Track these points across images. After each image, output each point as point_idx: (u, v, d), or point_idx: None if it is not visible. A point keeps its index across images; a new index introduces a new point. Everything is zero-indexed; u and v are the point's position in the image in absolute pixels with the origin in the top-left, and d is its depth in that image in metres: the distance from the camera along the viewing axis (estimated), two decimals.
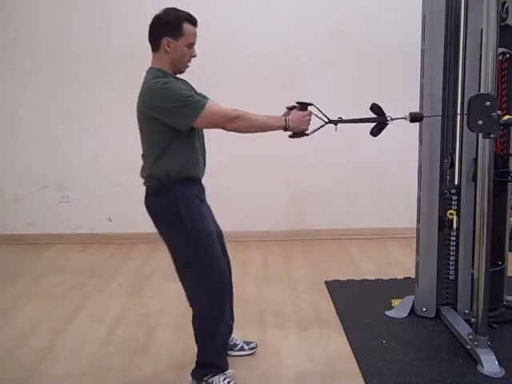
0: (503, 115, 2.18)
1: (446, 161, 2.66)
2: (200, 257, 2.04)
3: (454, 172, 2.69)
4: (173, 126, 1.95)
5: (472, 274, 2.46)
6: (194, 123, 1.94)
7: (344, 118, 2.11)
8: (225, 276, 2.10)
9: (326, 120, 2.08)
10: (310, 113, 2.05)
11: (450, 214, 2.64)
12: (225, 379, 2.09)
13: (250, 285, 3.34)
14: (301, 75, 4.20)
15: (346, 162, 4.28)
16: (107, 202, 4.35)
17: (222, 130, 2.00)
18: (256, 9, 4.16)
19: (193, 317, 2.12)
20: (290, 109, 2.10)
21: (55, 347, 2.55)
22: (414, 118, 2.17)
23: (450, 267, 2.71)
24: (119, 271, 3.68)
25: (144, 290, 3.29)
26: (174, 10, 2.02)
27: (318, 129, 2.06)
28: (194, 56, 2.06)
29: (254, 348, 2.43)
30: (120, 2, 4.16)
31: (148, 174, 2.06)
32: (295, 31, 4.17)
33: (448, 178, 2.68)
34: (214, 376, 2.09)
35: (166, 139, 1.98)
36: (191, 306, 2.18)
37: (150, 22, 2.03)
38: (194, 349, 2.14)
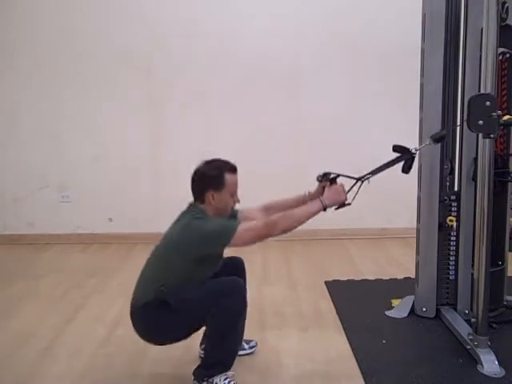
0: (503, 115, 2.18)
1: (445, 167, 2.65)
2: (202, 306, 2.02)
3: (453, 178, 2.69)
4: (207, 252, 2.01)
5: (472, 274, 2.46)
6: (229, 245, 1.98)
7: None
8: (237, 286, 2.09)
9: (356, 179, 2.15)
10: (342, 185, 2.11)
11: (450, 220, 2.64)
12: (226, 379, 2.08)
13: (250, 285, 3.27)
14: (301, 75, 4.19)
15: (346, 161, 4.25)
16: (107, 201, 4.34)
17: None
18: (256, 9, 4.17)
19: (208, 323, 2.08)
20: (321, 179, 2.16)
21: (55, 347, 2.54)
22: (437, 139, 2.21)
23: (450, 267, 2.71)
24: (119, 271, 3.68)
25: None
26: (215, 162, 2.08)
27: (356, 194, 2.10)
28: (238, 202, 2.13)
29: (254, 347, 2.43)
30: (120, 2, 4.16)
31: (151, 293, 2.10)
32: (295, 31, 4.17)
33: (448, 184, 2.68)
34: (215, 376, 2.07)
35: (182, 271, 2.03)
36: None
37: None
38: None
